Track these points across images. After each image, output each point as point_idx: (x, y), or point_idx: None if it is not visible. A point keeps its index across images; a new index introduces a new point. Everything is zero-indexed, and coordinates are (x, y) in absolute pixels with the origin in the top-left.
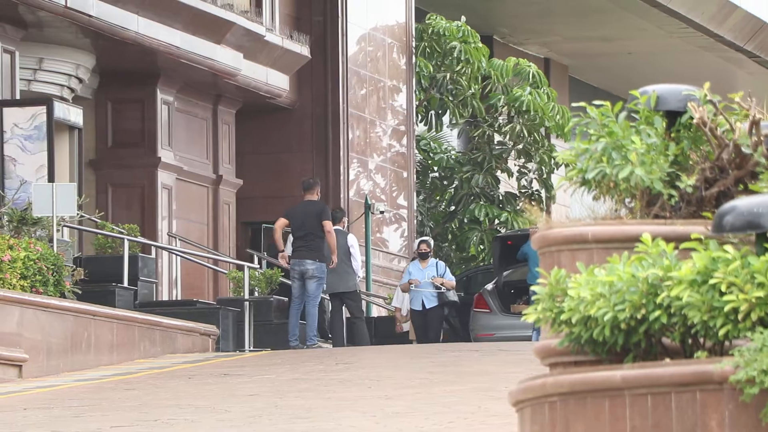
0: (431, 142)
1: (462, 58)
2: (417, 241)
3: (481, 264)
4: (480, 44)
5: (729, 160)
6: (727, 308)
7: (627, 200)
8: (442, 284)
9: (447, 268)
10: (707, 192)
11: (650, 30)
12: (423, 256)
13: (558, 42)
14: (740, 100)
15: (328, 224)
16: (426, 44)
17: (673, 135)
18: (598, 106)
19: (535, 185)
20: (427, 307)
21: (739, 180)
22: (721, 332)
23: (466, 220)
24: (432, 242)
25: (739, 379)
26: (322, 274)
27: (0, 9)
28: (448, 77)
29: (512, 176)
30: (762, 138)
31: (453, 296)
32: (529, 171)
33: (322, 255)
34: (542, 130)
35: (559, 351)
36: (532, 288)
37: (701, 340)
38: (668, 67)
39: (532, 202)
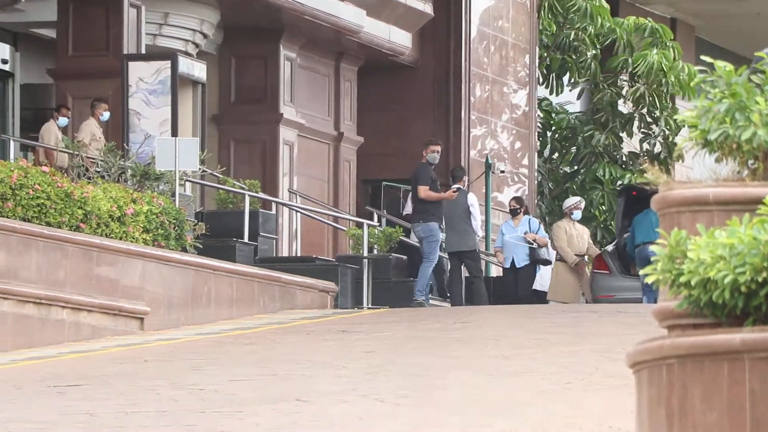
0: (553, 103)
1: (585, 15)
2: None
3: (602, 225)
4: (603, 2)
5: None
6: None
7: (750, 162)
8: (534, 240)
9: (541, 225)
10: None
11: None
12: (514, 213)
13: (685, 2)
14: None
15: (420, 190)
16: (547, 2)
17: None
18: (723, 68)
19: (658, 147)
20: (518, 265)
21: None
22: None
23: (587, 180)
24: (524, 199)
25: None
26: (428, 233)
27: None
28: (572, 36)
29: (631, 137)
30: None
31: (545, 254)
32: (653, 134)
33: (427, 215)
34: (666, 90)
35: (677, 313)
36: (651, 248)
37: None
38: None
39: (656, 163)
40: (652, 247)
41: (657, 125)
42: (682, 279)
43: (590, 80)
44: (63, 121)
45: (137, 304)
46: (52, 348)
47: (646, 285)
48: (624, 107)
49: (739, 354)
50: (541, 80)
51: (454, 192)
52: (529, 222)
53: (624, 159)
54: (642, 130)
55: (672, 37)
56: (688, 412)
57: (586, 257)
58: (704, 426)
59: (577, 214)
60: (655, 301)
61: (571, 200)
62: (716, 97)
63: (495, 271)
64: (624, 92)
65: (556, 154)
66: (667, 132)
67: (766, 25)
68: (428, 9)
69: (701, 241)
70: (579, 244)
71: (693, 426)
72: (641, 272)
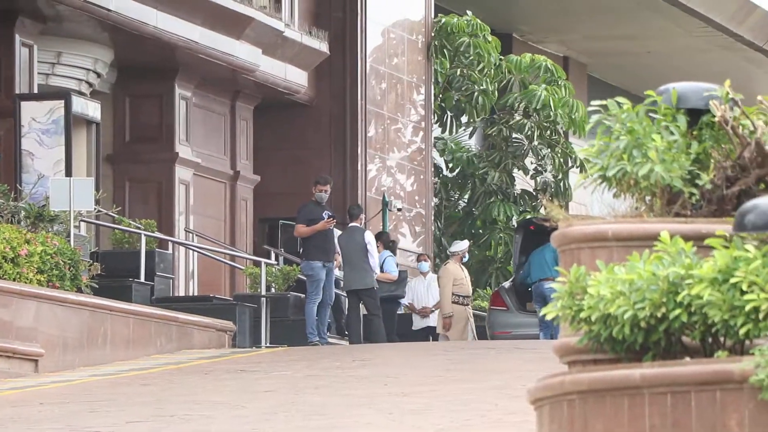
0: (449, 142)
1: (472, 52)
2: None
3: (500, 265)
4: (490, 37)
5: (750, 159)
6: (747, 307)
7: (647, 198)
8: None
9: (390, 260)
10: (728, 191)
11: (670, 29)
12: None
13: (577, 40)
14: (762, 100)
15: (296, 228)
16: (436, 42)
17: (694, 133)
18: (619, 104)
19: (551, 183)
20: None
21: (761, 179)
22: (742, 331)
23: (481, 222)
24: (387, 234)
25: (759, 380)
26: (309, 271)
27: (19, 3)
28: (458, 73)
29: (528, 174)
30: None
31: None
32: (545, 170)
33: (310, 253)
34: (559, 127)
35: (578, 349)
36: (549, 286)
37: (722, 339)
38: (687, 66)
39: (552, 199)
40: (551, 284)
41: (548, 161)
42: (583, 315)
43: (485, 118)
44: None
45: (31, 345)
46: None
47: (542, 321)
48: (516, 145)
49: (639, 389)
50: (436, 119)
51: (328, 220)
52: (385, 259)
53: (516, 197)
54: (535, 166)
55: (565, 77)
56: None
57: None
58: None
59: (466, 258)
60: (552, 337)
61: (463, 244)
62: (614, 133)
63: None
64: (517, 127)
65: (452, 194)
66: (558, 168)
67: (657, 64)
68: (324, 47)
69: (601, 276)
70: (467, 287)
71: None
72: (541, 310)
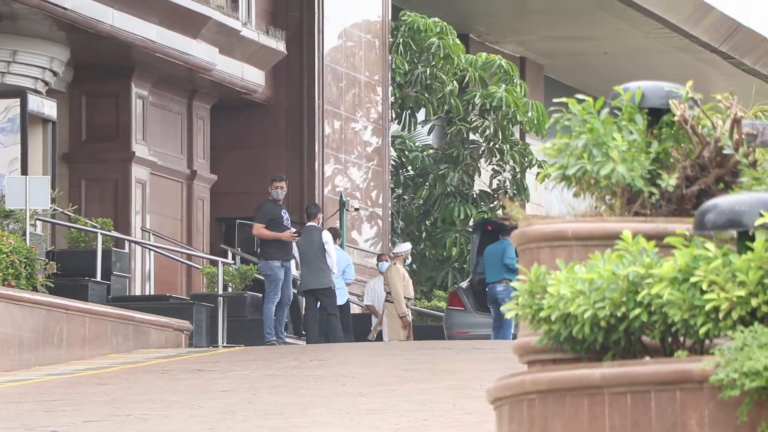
0: (407, 141)
1: (441, 54)
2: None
3: (455, 265)
4: (457, 41)
5: (710, 158)
6: (708, 307)
7: (607, 197)
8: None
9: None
10: (688, 190)
11: (626, 30)
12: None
13: (534, 41)
14: (722, 98)
15: (253, 227)
16: (401, 41)
17: (654, 132)
18: (580, 101)
19: (508, 183)
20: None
21: (720, 178)
22: (702, 331)
23: (440, 222)
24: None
25: (719, 379)
26: (267, 271)
27: None
28: (427, 73)
29: (480, 176)
30: (743, 136)
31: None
32: (503, 170)
33: (268, 253)
34: (516, 128)
35: (537, 348)
36: (501, 288)
37: (681, 338)
38: (644, 67)
39: (513, 199)
40: (502, 286)
41: (505, 161)
42: (542, 314)
43: (442, 117)
44: None
45: None
46: None
47: (496, 322)
48: (473, 144)
49: (599, 389)
50: (394, 117)
51: (292, 234)
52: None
53: (475, 197)
54: (492, 166)
55: (519, 75)
56: None
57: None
58: None
59: (409, 260)
60: (504, 338)
61: (406, 246)
62: (574, 132)
63: (357, 309)
64: (474, 126)
65: (409, 193)
66: (516, 168)
67: (614, 64)
68: (281, 47)
69: (561, 276)
70: (410, 289)
71: None
72: (492, 311)
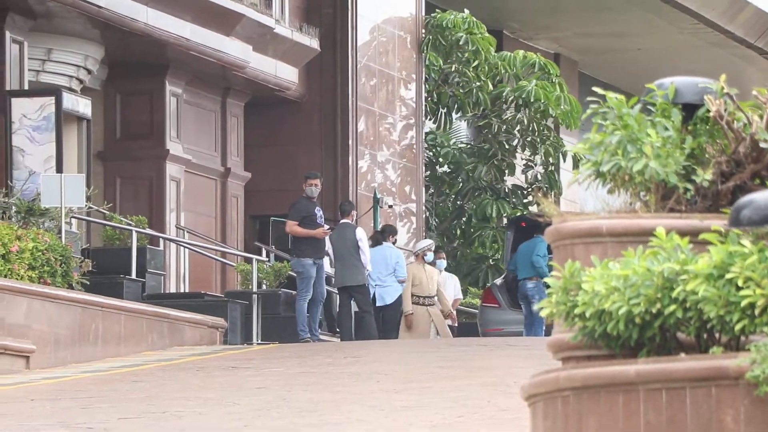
0: (439, 137)
1: (469, 49)
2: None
3: (490, 262)
4: (486, 34)
5: (745, 154)
6: (743, 303)
7: (642, 194)
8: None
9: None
10: (723, 186)
11: (661, 26)
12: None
13: (568, 37)
14: (757, 94)
15: (287, 224)
16: (431, 37)
17: (689, 128)
18: (614, 100)
19: (541, 178)
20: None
21: (756, 174)
22: (737, 327)
23: (474, 220)
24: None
25: (755, 376)
26: (299, 268)
27: None
28: (453, 69)
29: (513, 173)
30: None
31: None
32: (535, 164)
33: (301, 250)
34: (550, 121)
35: (572, 345)
36: (545, 280)
37: (717, 335)
38: (678, 63)
39: (547, 195)
40: (533, 283)
41: (538, 155)
42: (577, 311)
43: (477, 114)
44: None
45: (23, 342)
46: None
47: (527, 319)
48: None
49: (634, 385)
50: (429, 114)
51: (325, 231)
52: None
53: (507, 192)
54: (524, 160)
55: (558, 73)
56: None
57: (436, 298)
58: None
59: (430, 256)
60: (536, 335)
61: (423, 243)
62: (608, 128)
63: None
64: (507, 121)
65: (444, 190)
66: (548, 162)
67: (648, 60)
68: (314, 44)
69: (595, 272)
70: (429, 287)
71: None
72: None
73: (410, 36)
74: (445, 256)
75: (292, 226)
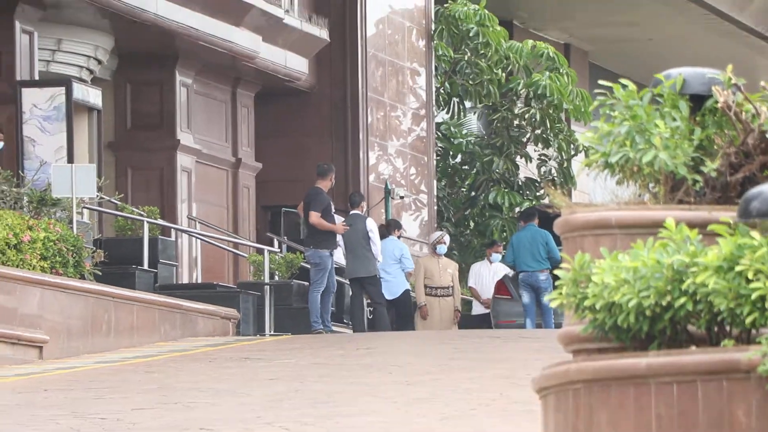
0: (452, 128)
1: (480, 41)
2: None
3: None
4: (498, 27)
5: (754, 145)
6: (754, 296)
7: (651, 185)
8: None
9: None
10: (732, 177)
11: (671, 16)
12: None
13: (578, 27)
14: (766, 86)
15: (311, 215)
16: (443, 28)
17: (697, 119)
18: (624, 87)
19: (554, 171)
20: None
21: (765, 165)
22: (748, 320)
23: (486, 207)
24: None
25: (766, 369)
26: (316, 259)
27: None
28: (465, 59)
29: (530, 162)
30: None
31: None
32: (549, 158)
33: (319, 242)
34: (562, 115)
35: (582, 337)
36: (556, 272)
37: (728, 327)
38: (689, 53)
39: (555, 187)
40: (544, 275)
41: (551, 148)
42: (587, 303)
43: (489, 105)
44: None
45: (35, 332)
46: None
47: (527, 309)
48: (518, 131)
49: (645, 378)
50: (441, 104)
51: (345, 227)
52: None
53: (520, 185)
54: (538, 154)
55: (567, 64)
56: None
57: (451, 289)
58: None
59: (441, 248)
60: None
61: (434, 235)
62: (617, 119)
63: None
64: (519, 114)
65: (456, 181)
66: (562, 156)
67: (659, 51)
68: (324, 34)
69: (605, 264)
70: (441, 279)
71: None
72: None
73: (419, 26)
74: (501, 249)
75: (318, 218)
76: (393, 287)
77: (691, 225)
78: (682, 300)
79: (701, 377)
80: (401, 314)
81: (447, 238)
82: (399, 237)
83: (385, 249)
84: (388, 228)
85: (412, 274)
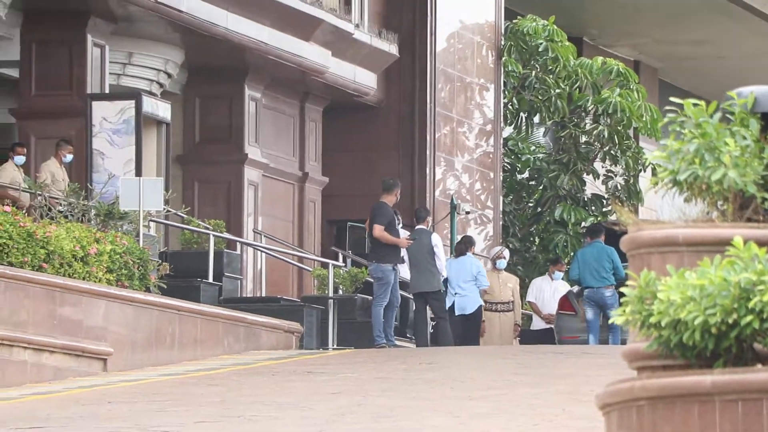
0: (519, 143)
1: (549, 56)
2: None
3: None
4: (567, 43)
5: None
6: None
7: (719, 203)
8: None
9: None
10: None
11: (742, 33)
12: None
13: (648, 44)
14: None
15: (375, 228)
16: (512, 44)
17: (767, 138)
18: (693, 105)
19: (620, 188)
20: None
21: None
22: None
23: (551, 223)
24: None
25: None
26: (379, 274)
27: (91, 3)
28: (533, 75)
29: (598, 178)
30: None
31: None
32: (615, 174)
33: (382, 256)
34: (630, 131)
35: (647, 354)
36: (622, 289)
37: None
38: (760, 71)
39: (621, 204)
40: (610, 291)
41: (618, 165)
42: (652, 320)
43: (556, 122)
44: (19, 159)
45: (100, 344)
46: (13, 389)
47: (591, 325)
48: (586, 148)
49: (710, 396)
50: (509, 120)
51: (408, 240)
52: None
53: (586, 201)
54: (605, 170)
55: (637, 80)
56: None
57: (512, 304)
58: None
59: (501, 263)
60: (599, 342)
61: (494, 250)
62: (686, 137)
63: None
64: (587, 130)
65: (523, 196)
66: (629, 172)
67: (729, 68)
68: (393, 50)
69: (671, 281)
70: (501, 294)
71: None
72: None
73: (489, 42)
74: (564, 268)
75: (382, 231)
76: (467, 303)
77: (760, 243)
78: (749, 318)
79: (767, 396)
80: (472, 330)
81: (507, 253)
82: (473, 253)
83: (462, 266)
84: (466, 245)
85: (487, 291)
